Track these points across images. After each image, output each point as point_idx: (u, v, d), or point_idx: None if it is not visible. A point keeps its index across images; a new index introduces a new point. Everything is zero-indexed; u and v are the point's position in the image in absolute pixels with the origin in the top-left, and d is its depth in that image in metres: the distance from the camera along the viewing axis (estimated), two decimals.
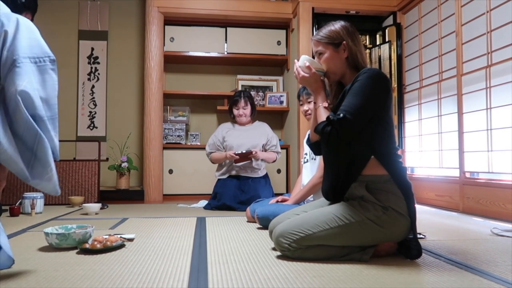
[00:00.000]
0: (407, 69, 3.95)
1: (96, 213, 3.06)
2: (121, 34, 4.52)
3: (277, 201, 2.53)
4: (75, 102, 4.41)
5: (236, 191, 3.33)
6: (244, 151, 3.29)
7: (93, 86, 4.42)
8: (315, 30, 3.83)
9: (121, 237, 1.87)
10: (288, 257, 1.57)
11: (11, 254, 1.37)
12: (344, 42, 1.69)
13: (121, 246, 1.81)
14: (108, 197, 3.79)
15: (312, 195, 2.46)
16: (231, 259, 1.60)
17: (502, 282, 1.29)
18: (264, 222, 2.29)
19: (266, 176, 3.50)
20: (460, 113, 3.08)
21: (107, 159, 4.30)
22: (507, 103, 2.63)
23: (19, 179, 2.41)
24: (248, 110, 3.49)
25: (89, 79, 4.42)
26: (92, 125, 4.41)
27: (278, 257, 1.61)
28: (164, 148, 4.10)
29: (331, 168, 1.69)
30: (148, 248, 1.80)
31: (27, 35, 1.28)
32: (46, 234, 1.78)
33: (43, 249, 1.78)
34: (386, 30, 4.08)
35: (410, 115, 3.87)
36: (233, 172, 3.41)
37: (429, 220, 2.67)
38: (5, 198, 3.19)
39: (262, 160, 3.42)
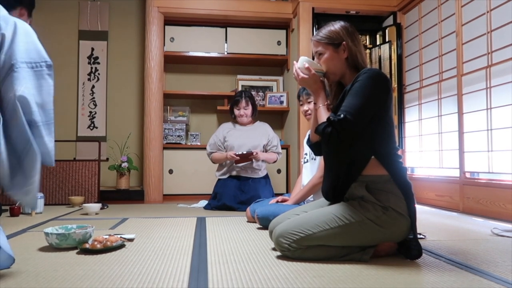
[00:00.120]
0: (407, 69, 3.95)
1: (96, 213, 3.06)
2: (121, 34, 4.52)
3: (277, 201, 2.53)
4: (75, 102, 4.41)
5: (236, 191, 3.33)
6: (245, 152, 3.29)
7: (93, 86, 4.42)
8: (315, 30, 3.84)
9: (121, 237, 1.87)
10: (288, 257, 1.57)
11: (11, 252, 1.37)
12: (344, 42, 1.69)
13: (121, 246, 1.81)
14: (108, 197, 3.79)
15: (312, 195, 2.45)
16: (231, 259, 1.60)
17: (502, 282, 1.29)
18: (264, 222, 2.29)
19: (266, 176, 3.50)
20: (460, 113, 3.08)
21: (107, 159, 4.30)
22: (507, 103, 2.63)
23: None
24: (249, 110, 3.49)
25: (89, 79, 4.42)
26: (92, 125, 4.41)
27: (278, 257, 1.61)
28: (164, 148, 4.10)
29: (331, 168, 1.69)
30: (148, 248, 1.80)
31: (25, 39, 1.28)
32: (46, 234, 1.78)
33: (43, 249, 1.78)
34: (386, 30, 4.08)
35: (410, 115, 3.87)
36: (234, 173, 3.41)
37: (429, 220, 2.67)
38: (5, 198, 3.19)
39: (262, 161, 3.41)
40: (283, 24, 4.34)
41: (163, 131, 4.13)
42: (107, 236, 1.82)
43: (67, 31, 4.42)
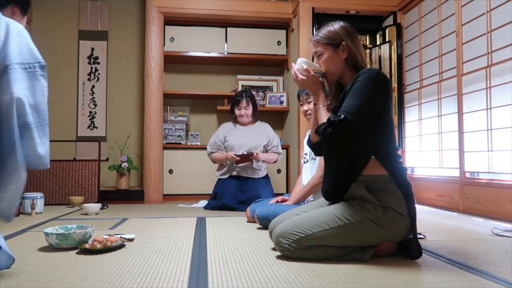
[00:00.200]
0: (407, 69, 3.95)
1: (96, 213, 3.06)
2: (121, 34, 4.52)
3: (277, 201, 2.53)
4: (75, 102, 4.41)
5: (236, 191, 3.33)
6: (245, 153, 3.29)
7: (93, 86, 4.42)
8: (315, 30, 3.83)
9: (121, 237, 1.87)
10: (288, 257, 1.57)
11: (10, 252, 1.37)
12: (344, 42, 1.69)
13: (121, 246, 1.81)
14: (108, 197, 3.80)
15: (312, 195, 2.46)
16: (231, 259, 1.60)
17: (502, 282, 1.29)
18: (264, 222, 2.29)
19: (266, 177, 3.50)
20: (460, 113, 3.08)
21: (107, 159, 4.30)
22: (507, 103, 2.63)
23: None
24: (249, 110, 3.48)
25: (89, 79, 4.42)
26: (92, 125, 4.41)
27: (278, 257, 1.61)
28: (164, 148, 4.10)
29: (331, 168, 1.69)
30: (148, 248, 1.80)
31: (17, 40, 1.27)
32: (46, 234, 1.78)
33: (43, 249, 1.78)
34: (386, 30, 4.08)
35: (410, 115, 3.87)
36: (234, 173, 3.41)
37: (429, 220, 2.67)
38: None
39: (263, 161, 3.41)
40: (283, 24, 4.34)
41: (163, 131, 4.13)
42: (107, 236, 1.82)
43: (67, 31, 4.42)
